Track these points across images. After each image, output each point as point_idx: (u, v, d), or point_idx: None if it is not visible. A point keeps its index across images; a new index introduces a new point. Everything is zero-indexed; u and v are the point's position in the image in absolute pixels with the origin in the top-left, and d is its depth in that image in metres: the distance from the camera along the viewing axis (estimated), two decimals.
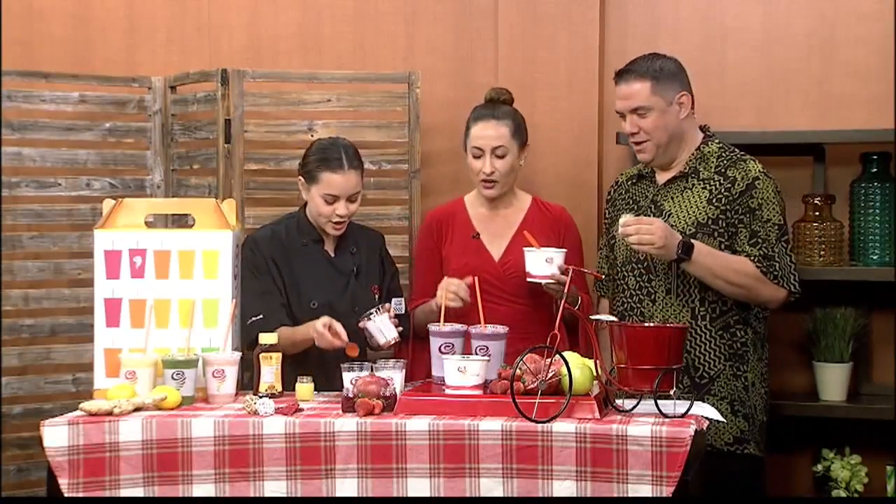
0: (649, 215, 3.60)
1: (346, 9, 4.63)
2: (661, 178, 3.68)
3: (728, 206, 3.56)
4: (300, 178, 3.79)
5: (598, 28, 4.40)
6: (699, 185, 3.60)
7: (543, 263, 3.47)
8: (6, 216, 4.32)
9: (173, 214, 4.23)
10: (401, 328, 3.58)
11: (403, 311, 3.73)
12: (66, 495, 3.06)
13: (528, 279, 3.50)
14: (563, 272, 3.43)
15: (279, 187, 4.33)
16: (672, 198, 3.62)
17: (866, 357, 4.22)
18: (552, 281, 3.48)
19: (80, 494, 3.07)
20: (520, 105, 3.94)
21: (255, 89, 4.32)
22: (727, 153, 3.64)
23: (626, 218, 3.47)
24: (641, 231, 3.42)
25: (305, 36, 4.65)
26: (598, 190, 4.42)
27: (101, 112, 4.45)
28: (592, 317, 3.29)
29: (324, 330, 3.52)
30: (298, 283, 3.75)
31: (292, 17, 4.66)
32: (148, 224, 3.58)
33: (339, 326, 3.53)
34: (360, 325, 3.57)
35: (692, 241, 3.48)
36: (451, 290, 3.58)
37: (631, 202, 3.72)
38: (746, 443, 3.58)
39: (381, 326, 3.56)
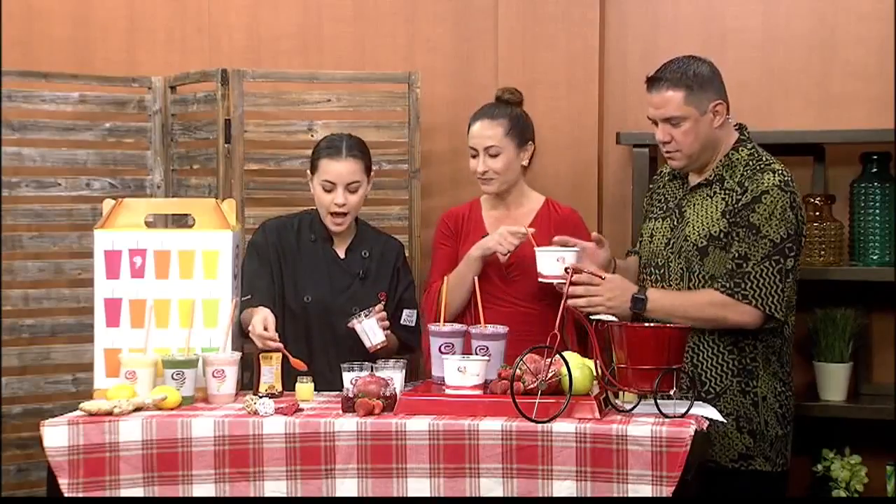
0: (674, 218, 3.55)
1: (346, 9, 4.63)
2: (692, 181, 3.58)
3: (733, 220, 3.43)
4: (308, 172, 3.79)
5: (598, 28, 4.40)
6: (720, 194, 3.47)
7: (555, 263, 3.41)
8: (6, 216, 4.32)
9: (173, 214, 4.23)
10: (388, 332, 3.58)
11: (414, 324, 3.73)
12: (66, 495, 3.06)
13: (540, 279, 3.44)
14: (574, 271, 3.40)
15: (279, 187, 4.33)
16: (694, 205, 3.52)
17: (866, 357, 4.22)
18: (563, 281, 3.41)
19: (80, 494, 3.07)
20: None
21: (255, 89, 4.32)
22: (755, 161, 3.49)
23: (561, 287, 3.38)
24: (591, 292, 3.39)
25: (305, 36, 4.65)
26: (598, 190, 4.42)
27: (101, 112, 4.45)
28: (593, 317, 3.28)
29: (259, 328, 3.45)
30: (296, 275, 3.75)
31: (292, 17, 4.66)
32: (148, 224, 3.58)
33: (273, 330, 3.45)
34: (349, 325, 3.58)
35: (646, 292, 3.42)
36: (507, 234, 3.61)
37: (662, 200, 3.66)
38: (752, 459, 3.47)
39: (368, 330, 3.56)
